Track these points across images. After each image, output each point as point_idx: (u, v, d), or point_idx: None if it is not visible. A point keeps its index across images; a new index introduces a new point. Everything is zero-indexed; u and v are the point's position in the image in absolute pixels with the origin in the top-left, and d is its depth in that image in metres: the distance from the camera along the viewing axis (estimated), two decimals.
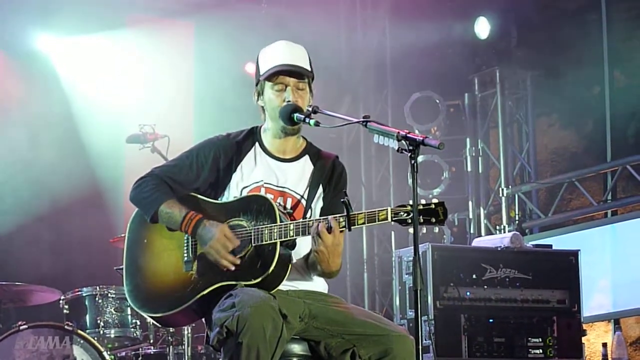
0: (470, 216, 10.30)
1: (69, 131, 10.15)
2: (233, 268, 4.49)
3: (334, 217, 4.42)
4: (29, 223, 9.64)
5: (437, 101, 10.23)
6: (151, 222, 4.66)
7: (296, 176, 4.73)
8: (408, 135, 4.18)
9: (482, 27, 9.98)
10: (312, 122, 4.56)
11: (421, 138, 4.16)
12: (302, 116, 4.58)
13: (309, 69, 4.70)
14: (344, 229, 4.41)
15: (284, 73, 4.65)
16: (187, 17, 10.97)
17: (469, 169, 10.35)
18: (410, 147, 4.16)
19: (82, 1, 10.21)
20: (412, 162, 4.15)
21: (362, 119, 4.40)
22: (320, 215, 4.64)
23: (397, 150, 4.21)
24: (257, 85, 4.75)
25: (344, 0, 11.41)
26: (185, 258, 4.62)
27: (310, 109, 4.59)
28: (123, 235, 7.59)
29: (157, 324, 4.97)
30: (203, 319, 4.69)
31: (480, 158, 10.34)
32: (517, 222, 9.90)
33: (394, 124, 10.25)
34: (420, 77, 10.40)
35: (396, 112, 10.78)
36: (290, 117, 4.60)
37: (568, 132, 10.03)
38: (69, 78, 10.39)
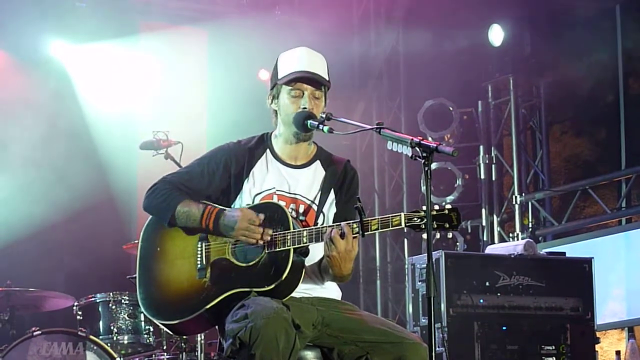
0: (484, 223, 10.29)
1: (83, 138, 10.17)
2: (269, 238, 4.47)
3: (348, 223, 4.43)
4: (43, 229, 9.65)
5: (451, 108, 10.22)
6: (169, 225, 4.66)
7: (308, 182, 4.73)
8: (422, 142, 4.17)
9: (496, 35, 9.98)
10: (325, 128, 4.56)
11: (435, 145, 4.15)
12: (316, 123, 4.58)
13: (327, 78, 4.70)
14: (357, 234, 4.42)
15: (302, 80, 4.65)
16: (200, 24, 10.98)
17: (482, 177, 10.34)
18: (424, 154, 4.15)
19: (96, 8, 10.24)
20: (426, 169, 4.14)
21: (375, 126, 4.40)
22: (333, 221, 4.64)
23: (411, 157, 4.20)
24: (272, 88, 4.75)
25: (358, 8, 11.42)
26: (199, 265, 4.61)
27: (323, 115, 4.60)
28: (136, 241, 7.61)
29: (170, 332, 4.97)
30: (216, 327, 4.69)
31: (493, 165, 10.33)
32: (530, 229, 9.88)
33: (407, 131, 10.27)
34: (433, 84, 10.40)
35: (409, 119, 10.79)
36: (304, 124, 4.61)
37: (582, 139, 10.01)
38: (82, 85, 10.41)
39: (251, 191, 4.68)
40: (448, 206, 4.36)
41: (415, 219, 4.32)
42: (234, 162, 4.71)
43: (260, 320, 4.23)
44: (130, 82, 10.47)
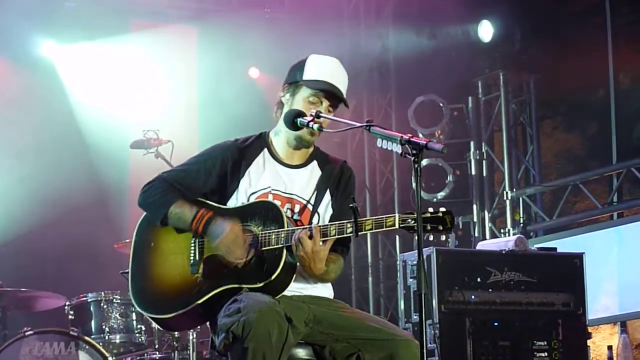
0: (475, 219, 10.29)
1: (73, 137, 10.17)
2: (241, 264, 4.49)
3: (341, 223, 4.44)
4: (34, 229, 9.65)
5: (441, 105, 10.22)
6: (161, 224, 4.67)
7: (303, 182, 4.74)
8: (411, 139, 4.17)
9: (486, 31, 9.98)
10: (315, 126, 4.57)
11: (424, 142, 4.14)
12: (306, 121, 4.58)
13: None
14: (351, 234, 4.43)
15: (328, 92, 4.66)
16: (190, 23, 10.99)
17: (473, 172, 10.34)
18: (414, 151, 4.14)
19: (85, 8, 10.23)
20: (416, 166, 4.14)
21: (365, 124, 4.40)
22: (329, 222, 4.65)
23: (401, 155, 4.20)
24: (291, 83, 4.74)
25: (347, 5, 11.42)
26: (192, 261, 4.62)
27: (313, 113, 4.60)
28: (127, 240, 7.64)
29: (161, 327, 4.99)
30: (207, 323, 4.71)
31: (484, 161, 10.32)
32: (521, 225, 9.89)
33: (397, 128, 10.27)
34: (423, 80, 10.40)
35: (400, 116, 10.79)
36: (294, 122, 4.61)
37: (572, 134, 10.02)
38: (73, 84, 10.41)
39: (247, 190, 4.69)
40: (442, 209, 4.36)
41: (409, 220, 4.31)
42: (231, 161, 4.71)
43: (253, 314, 4.25)
44: (120, 81, 10.46)
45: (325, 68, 4.72)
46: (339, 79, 4.71)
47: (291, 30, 10.47)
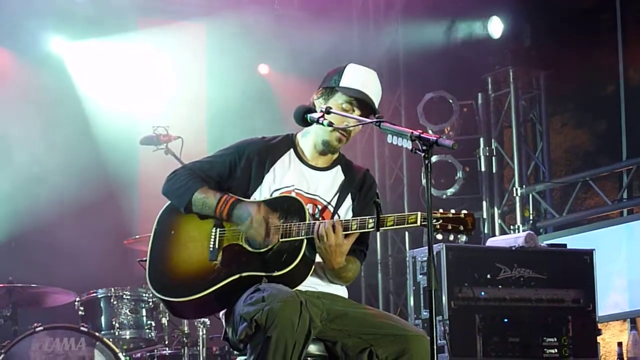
0: (485, 216, 10.28)
1: (83, 134, 10.18)
2: (269, 245, 4.52)
3: (363, 218, 4.49)
4: (44, 225, 9.66)
5: (451, 101, 10.21)
6: (185, 211, 4.71)
7: (327, 185, 4.79)
8: (422, 135, 4.18)
9: (495, 27, 9.97)
10: (325, 122, 4.59)
11: (435, 138, 4.16)
12: (316, 117, 4.61)
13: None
14: (372, 229, 4.47)
15: (362, 102, 4.70)
16: (199, 19, 10.98)
17: (482, 169, 10.33)
18: (424, 147, 4.16)
19: (94, 4, 10.24)
20: (426, 162, 4.15)
21: (375, 120, 4.43)
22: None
23: (411, 151, 4.22)
24: (327, 87, 4.77)
25: (356, 1, 11.41)
26: (211, 248, 4.65)
27: (323, 108, 4.61)
28: (138, 237, 7.67)
29: (172, 313, 5.03)
30: (222, 315, 4.73)
31: (494, 158, 10.32)
32: (531, 221, 9.88)
33: (407, 124, 10.26)
34: (433, 77, 10.38)
35: (409, 112, 10.78)
36: (304, 118, 4.64)
37: (582, 131, 10.00)
38: (82, 81, 10.42)
39: (270, 186, 4.74)
40: (464, 211, 4.39)
41: (432, 218, 4.33)
42: (257, 156, 4.76)
43: (277, 303, 4.28)
44: (129, 77, 10.47)
45: (362, 78, 4.78)
46: (374, 91, 4.77)
47: (300, 26, 10.47)
